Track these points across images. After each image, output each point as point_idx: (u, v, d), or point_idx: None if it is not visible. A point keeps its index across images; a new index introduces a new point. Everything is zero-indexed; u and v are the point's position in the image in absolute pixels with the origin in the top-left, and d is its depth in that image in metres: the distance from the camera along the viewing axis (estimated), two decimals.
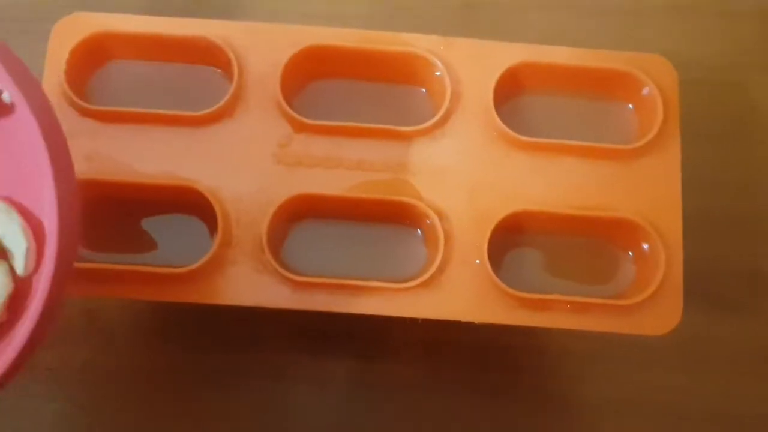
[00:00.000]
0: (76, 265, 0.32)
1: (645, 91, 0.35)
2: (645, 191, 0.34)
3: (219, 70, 0.36)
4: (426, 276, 0.33)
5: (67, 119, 0.34)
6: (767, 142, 0.44)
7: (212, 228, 0.34)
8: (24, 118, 0.26)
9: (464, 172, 0.34)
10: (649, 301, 0.33)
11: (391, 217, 0.35)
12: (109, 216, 0.35)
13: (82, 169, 0.34)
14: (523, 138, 0.34)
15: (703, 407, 0.40)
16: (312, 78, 0.36)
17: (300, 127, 0.34)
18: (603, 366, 0.40)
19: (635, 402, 0.40)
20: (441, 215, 0.34)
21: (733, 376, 0.40)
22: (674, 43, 0.43)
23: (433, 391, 0.40)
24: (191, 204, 0.34)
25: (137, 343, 0.40)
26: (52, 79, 0.34)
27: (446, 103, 0.34)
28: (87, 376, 0.39)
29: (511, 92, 0.36)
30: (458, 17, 0.45)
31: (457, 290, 0.33)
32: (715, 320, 0.41)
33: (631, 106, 0.36)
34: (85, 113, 0.34)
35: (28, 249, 0.25)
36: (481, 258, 0.33)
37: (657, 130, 0.34)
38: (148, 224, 0.35)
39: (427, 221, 0.34)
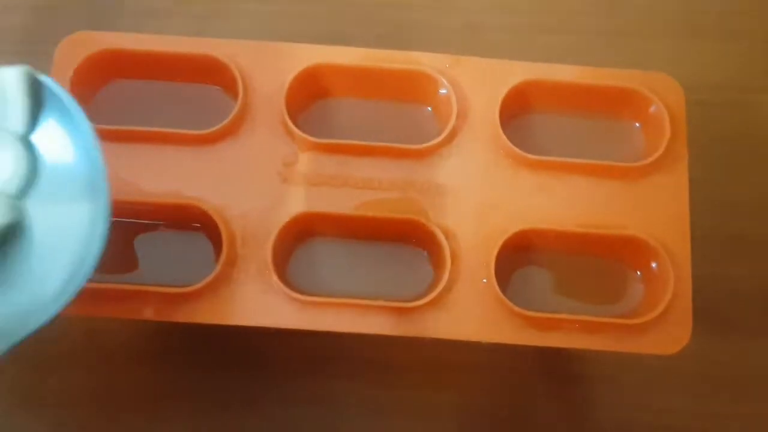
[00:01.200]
0: None
1: (652, 108, 0.35)
2: (653, 209, 0.34)
3: (224, 89, 0.36)
4: (433, 295, 0.32)
5: None
6: None
7: (217, 247, 0.33)
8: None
9: (471, 191, 0.34)
10: (658, 321, 0.33)
11: (397, 236, 0.34)
12: (112, 235, 0.34)
13: None
14: (530, 156, 0.34)
15: (712, 430, 0.39)
16: (317, 96, 0.36)
17: (306, 146, 0.34)
18: (610, 389, 0.40)
19: (644, 425, 0.39)
20: (448, 234, 0.33)
21: (741, 398, 0.40)
22: (680, 65, 0.43)
23: (437, 415, 0.39)
24: (196, 223, 0.34)
25: (140, 365, 0.39)
26: None
27: (452, 121, 0.34)
28: (89, 398, 0.38)
29: (517, 110, 0.35)
30: (460, 39, 0.45)
31: (465, 310, 0.33)
32: (724, 342, 0.40)
33: (638, 124, 0.36)
34: None
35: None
36: (488, 277, 0.33)
37: (664, 148, 0.34)
38: (152, 243, 0.34)
39: (435, 240, 0.33)
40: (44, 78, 0.21)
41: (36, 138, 0.19)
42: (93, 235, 0.19)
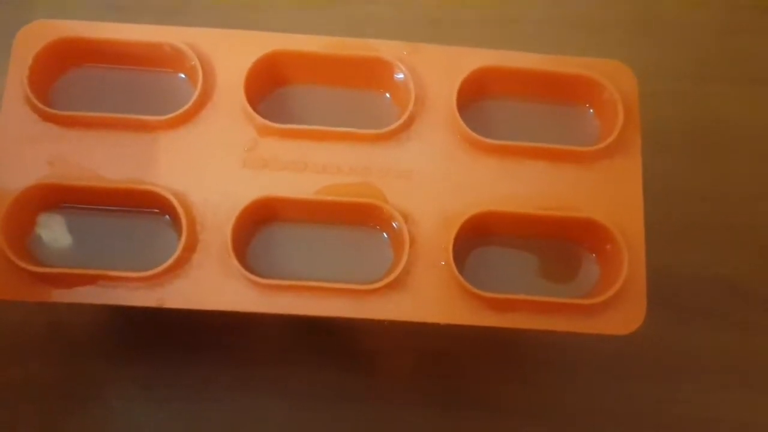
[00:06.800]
0: (35, 269, 0.32)
1: (605, 95, 0.36)
2: (608, 193, 0.35)
3: (185, 76, 0.36)
4: (391, 278, 0.33)
5: (30, 124, 0.34)
6: (729, 152, 0.44)
7: (177, 232, 0.33)
8: None
9: (429, 175, 0.35)
10: (612, 301, 0.33)
11: (357, 219, 0.35)
12: (72, 221, 0.34)
13: (45, 173, 0.33)
14: (487, 140, 0.35)
15: (676, 415, 0.40)
16: (277, 84, 0.36)
17: (265, 131, 0.34)
18: (570, 375, 0.40)
19: (609, 411, 0.40)
20: (406, 217, 0.34)
21: (702, 383, 0.41)
22: (637, 55, 0.43)
23: (402, 402, 0.39)
24: (155, 208, 0.34)
25: (102, 356, 0.39)
26: (15, 83, 0.34)
27: (410, 107, 0.35)
28: (50, 390, 0.38)
29: (474, 96, 0.36)
30: (424, 32, 0.46)
31: (423, 292, 0.33)
32: (682, 329, 0.41)
33: (592, 110, 0.37)
34: (47, 118, 0.34)
35: None
36: (446, 259, 0.33)
37: (618, 133, 0.35)
38: (112, 229, 0.34)
39: (394, 224, 0.34)
40: None
41: None
42: None
